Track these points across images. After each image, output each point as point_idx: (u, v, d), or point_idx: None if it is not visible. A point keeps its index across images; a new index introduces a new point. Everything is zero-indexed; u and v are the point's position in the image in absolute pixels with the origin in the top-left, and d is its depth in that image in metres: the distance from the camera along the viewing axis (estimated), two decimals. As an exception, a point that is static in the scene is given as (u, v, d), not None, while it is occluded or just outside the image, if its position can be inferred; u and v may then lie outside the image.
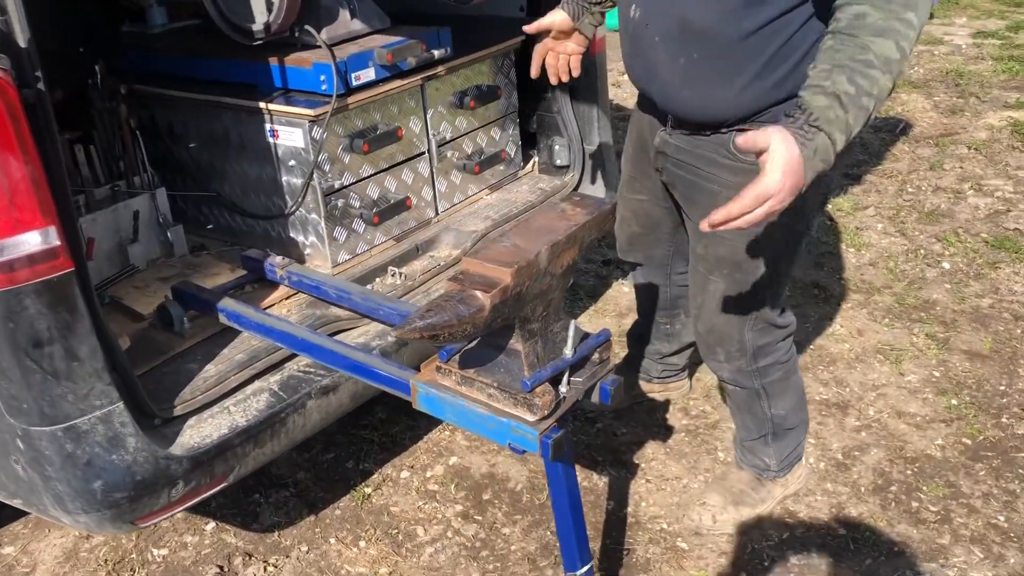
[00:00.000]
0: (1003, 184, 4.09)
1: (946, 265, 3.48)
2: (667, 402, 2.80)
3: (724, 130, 1.92)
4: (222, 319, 2.17)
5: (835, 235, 3.74)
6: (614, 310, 3.31)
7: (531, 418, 1.65)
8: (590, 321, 3.24)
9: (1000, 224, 3.76)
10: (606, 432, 2.72)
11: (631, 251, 2.48)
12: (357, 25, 2.54)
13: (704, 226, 1.57)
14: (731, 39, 1.79)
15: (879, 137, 4.69)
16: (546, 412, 1.66)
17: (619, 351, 2.88)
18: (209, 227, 2.69)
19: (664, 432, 2.70)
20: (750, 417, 2.32)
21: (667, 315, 2.59)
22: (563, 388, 1.73)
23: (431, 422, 2.79)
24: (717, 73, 1.84)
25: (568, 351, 1.72)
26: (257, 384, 2.11)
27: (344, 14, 2.52)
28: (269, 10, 2.36)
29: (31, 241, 1.66)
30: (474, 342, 1.73)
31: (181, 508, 1.96)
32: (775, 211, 1.53)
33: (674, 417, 2.76)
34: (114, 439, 1.80)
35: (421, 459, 2.67)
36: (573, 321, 1.73)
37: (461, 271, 1.60)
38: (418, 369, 1.84)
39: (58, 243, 1.68)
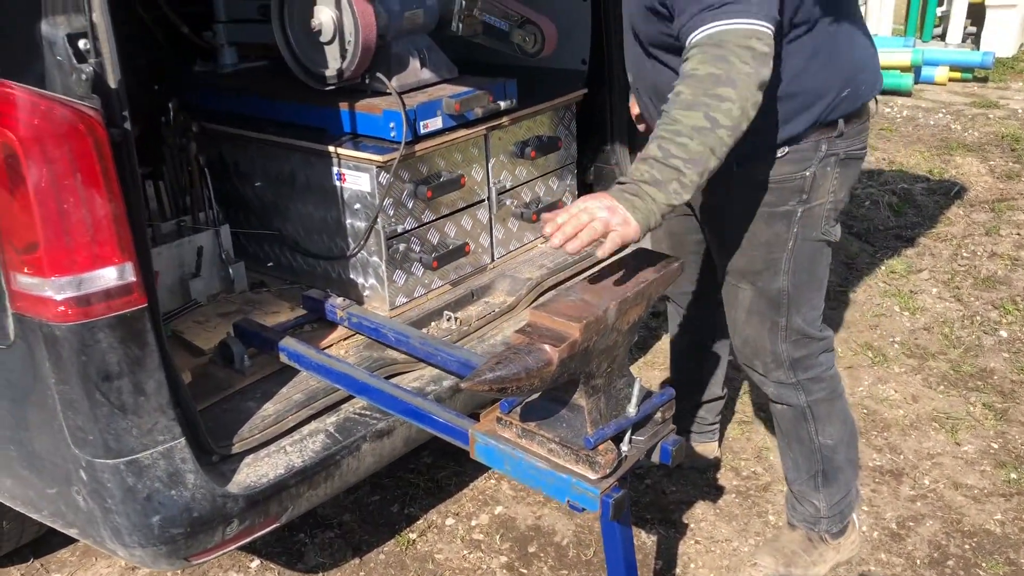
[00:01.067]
0: (1062, 253, 4.04)
1: (1003, 333, 3.42)
2: (717, 461, 2.77)
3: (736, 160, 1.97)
4: (282, 358, 2.19)
5: (889, 297, 3.70)
6: (663, 363, 3.29)
7: (593, 476, 1.64)
8: (639, 372, 3.22)
9: (1060, 294, 3.70)
10: (655, 490, 2.69)
11: None
12: (426, 74, 2.59)
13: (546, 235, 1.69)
14: None
15: (933, 200, 4.65)
16: (608, 471, 1.65)
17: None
18: (269, 264, 2.73)
19: (714, 492, 2.67)
20: (798, 447, 2.31)
21: (696, 358, 2.61)
22: (624, 446, 1.72)
23: (477, 469, 2.78)
24: None
25: (632, 409, 1.71)
26: (314, 425, 2.12)
27: (414, 63, 2.56)
28: (343, 57, 2.41)
29: (108, 276, 1.69)
30: (536, 394, 1.73)
31: (233, 547, 1.97)
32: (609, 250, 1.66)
33: (724, 477, 2.73)
34: (174, 475, 1.82)
35: (467, 507, 2.66)
36: (638, 379, 1.73)
37: (529, 323, 1.61)
38: (476, 418, 1.84)
39: (134, 279, 1.71)
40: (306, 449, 2.05)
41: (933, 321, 3.52)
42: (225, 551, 1.97)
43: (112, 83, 1.67)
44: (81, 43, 1.63)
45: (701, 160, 1.65)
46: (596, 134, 3.00)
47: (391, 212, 2.40)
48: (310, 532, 2.57)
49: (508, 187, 2.72)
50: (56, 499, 1.91)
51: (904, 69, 6.45)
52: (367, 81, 2.48)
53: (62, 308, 1.66)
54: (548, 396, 1.72)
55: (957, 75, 6.64)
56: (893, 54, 6.58)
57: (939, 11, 7.60)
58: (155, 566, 1.91)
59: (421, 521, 2.61)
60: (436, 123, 2.43)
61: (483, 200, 2.66)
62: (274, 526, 2.02)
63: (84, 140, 1.62)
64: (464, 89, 2.53)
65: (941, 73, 6.56)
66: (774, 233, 2.09)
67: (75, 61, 1.62)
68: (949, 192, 4.72)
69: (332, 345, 2.34)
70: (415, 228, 2.48)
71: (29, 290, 1.68)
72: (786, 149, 2.00)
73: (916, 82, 6.54)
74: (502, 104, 2.57)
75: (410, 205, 2.44)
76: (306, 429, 2.10)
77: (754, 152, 1.98)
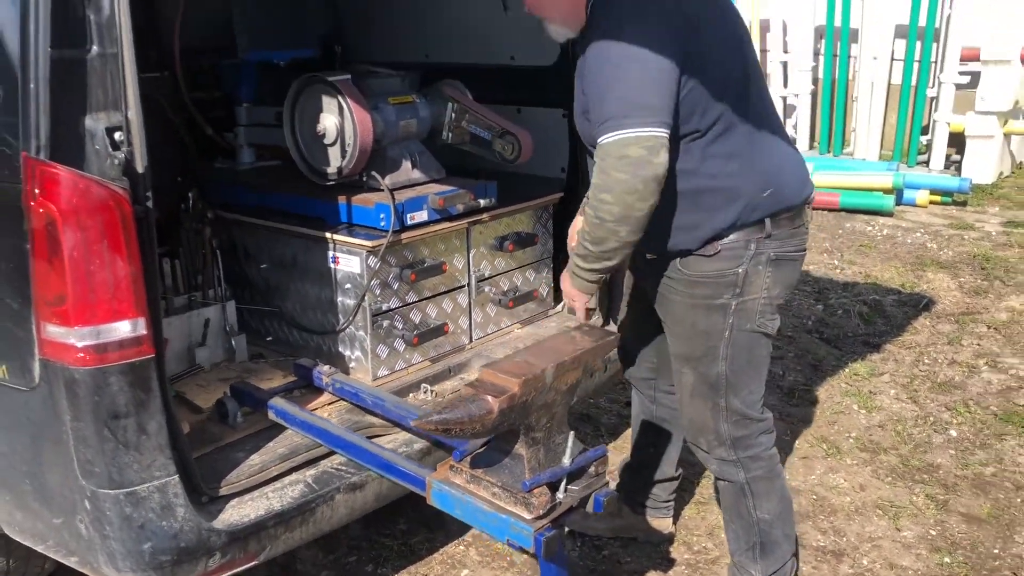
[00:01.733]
0: (1018, 363, 4.27)
1: (953, 433, 3.64)
2: (671, 536, 2.97)
3: (675, 254, 2.33)
4: (271, 415, 2.46)
5: (849, 397, 3.94)
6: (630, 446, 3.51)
7: (528, 516, 1.88)
8: (611, 456, 3.44)
9: (1011, 400, 3.92)
10: (611, 560, 2.89)
11: (625, 361, 2.81)
12: (417, 174, 2.94)
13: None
14: None
15: (902, 311, 4.92)
16: (542, 512, 1.89)
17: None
18: (268, 339, 3.02)
19: (666, 564, 2.86)
20: (739, 520, 2.52)
21: (652, 438, 2.84)
22: (560, 494, 1.96)
23: (448, 536, 2.99)
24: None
25: (566, 460, 1.96)
26: (294, 476, 2.36)
27: (406, 164, 2.92)
28: (343, 157, 2.77)
29: (123, 329, 1.98)
30: (484, 446, 1.98)
31: (214, 580, 2.19)
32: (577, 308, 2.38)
33: (677, 551, 2.93)
34: (166, 507, 2.06)
35: (435, 569, 2.86)
36: (572, 433, 1.98)
37: (478, 379, 1.88)
38: (435, 468, 2.09)
39: (144, 332, 2.00)
40: (285, 496, 2.29)
41: (888, 419, 3.74)
42: (206, 583, 2.19)
43: (139, 168, 2.00)
44: (117, 135, 1.96)
45: (601, 246, 2.15)
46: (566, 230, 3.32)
47: (378, 292, 2.70)
48: (289, 586, 2.78)
49: (487, 275, 3.03)
50: (61, 529, 2.15)
51: (886, 191, 6.82)
52: (364, 179, 2.83)
53: (82, 354, 1.95)
54: (494, 447, 1.97)
55: (937, 198, 7.00)
56: (876, 177, 6.97)
57: (924, 139, 8.04)
58: (144, 592, 2.14)
59: (392, 580, 2.82)
60: (422, 215, 2.76)
61: (463, 286, 2.96)
62: (253, 563, 2.24)
63: (113, 214, 1.94)
64: (449, 188, 2.87)
65: (922, 196, 6.92)
66: (711, 323, 2.36)
67: (110, 149, 1.95)
68: (918, 304, 5.00)
69: (317, 408, 2.61)
70: (399, 307, 2.77)
71: (55, 338, 1.97)
72: (718, 247, 2.28)
73: (899, 204, 6.90)
74: (482, 203, 2.91)
75: (395, 287, 2.74)
76: (287, 479, 2.35)
77: (686, 247, 2.28)
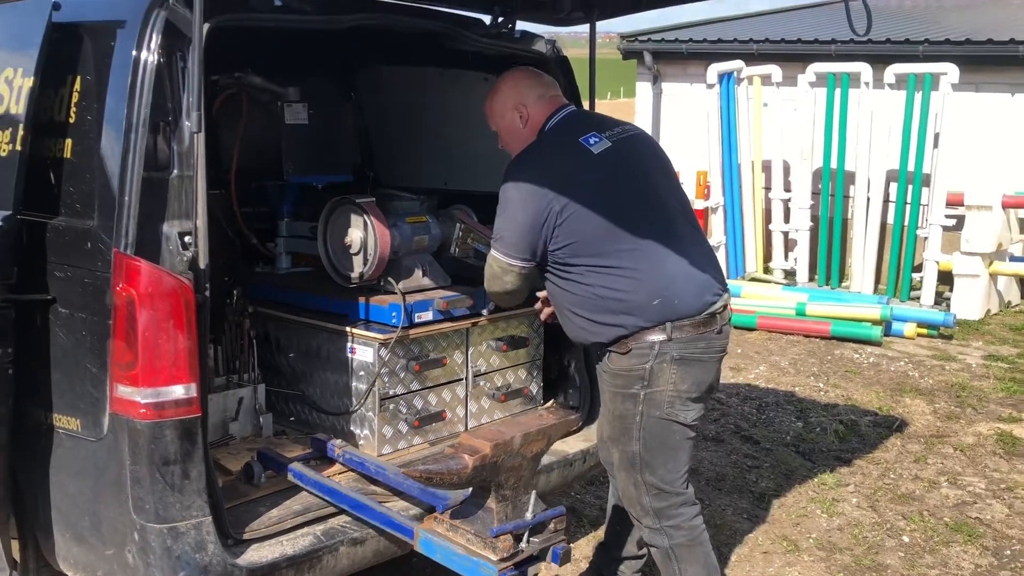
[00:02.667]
0: (977, 481, 4.62)
1: (906, 538, 3.98)
2: (634, 612, 3.32)
3: (599, 348, 2.87)
4: (290, 477, 2.91)
5: (815, 503, 4.30)
6: (609, 538, 3.89)
7: (494, 558, 2.31)
8: (588, 545, 3.82)
9: (964, 512, 4.26)
10: (580, 629, 3.24)
11: (600, 450, 3.18)
12: (426, 281, 3.44)
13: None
14: (561, 302, 2.90)
15: (876, 431, 5.30)
16: (505, 555, 2.31)
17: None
18: (291, 419, 3.49)
19: (629, 635, 3.21)
20: None
21: (620, 519, 3.21)
22: (523, 544, 2.38)
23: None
24: (565, 318, 2.94)
25: (529, 515, 2.39)
26: (306, 529, 2.78)
27: (418, 272, 3.43)
28: (365, 264, 3.29)
29: (178, 391, 2.48)
30: (462, 502, 2.42)
31: (233, 610, 2.60)
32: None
33: (639, 625, 3.28)
34: (200, 543, 2.50)
35: (424, 629, 3.23)
36: (535, 494, 2.42)
37: (459, 441, 2.34)
38: (422, 521, 2.52)
39: (195, 395, 2.49)
40: (297, 544, 2.71)
41: (847, 524, 4.10)
42: (227, 613, 2.59)
43: (202, 265, 2.54)
44: (187, 238, 2.51)
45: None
46: (561, 341, 3.80)
47: (386, 379, 3.18)
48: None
49: (483, 371, 3.50)
50: (112, 559, 2.58)
51: (875, 322, 7.26)
52: (381, 283, 3.35)
53: (144, 410, 2.44)
54: (469, 502, 2.41)
55: (924, 331, 7.43)
56: (866, 308, 7.43)
57: (917, 276, 8.51)
58: (174, 616, 2.54)
59: (385, 638, 3.18)
60: (427, 315, 3.26)
61: (461, 379, 3.43)
62: (266, 599, 2.65)
63: (179, 299, 2.46)
64: (453, 293, 3.38)
65: (909, 328, 7.34)
66: (625, 409, 2.81)
67: (181, 249, 2.50)
68: (892, 426, 5.37)
69: (329, 475, 3.05)
70: (404, 393, 3.24)
71: (124, 396, 2.47)
72: (629, 345, 2.76)
73: (887, 335, 7.32)
74: (484, 312, 3.41)
75: (402, 375, 3.22)
76: (300, 531, 2.77)
77: (599, 341, 2.82)
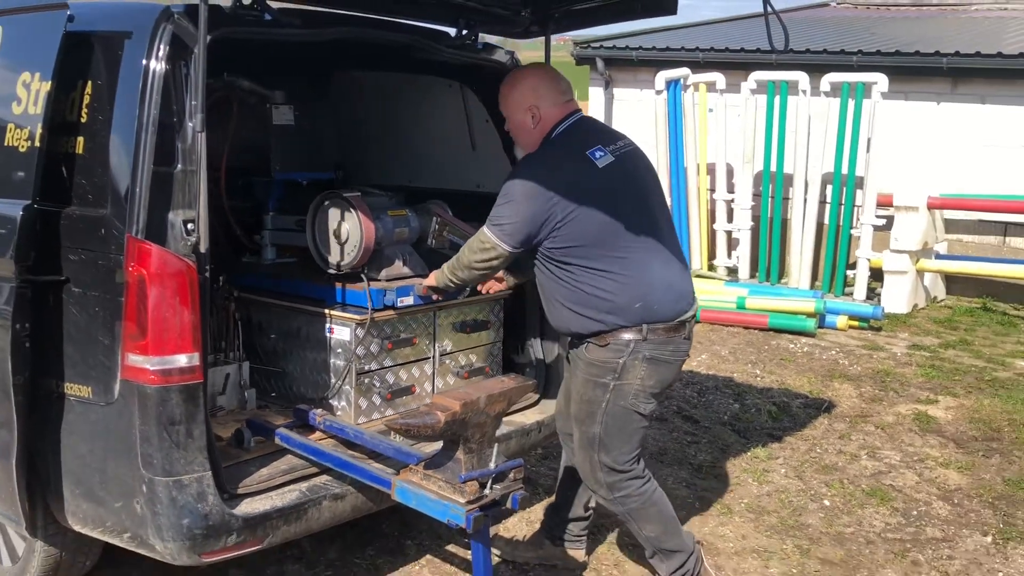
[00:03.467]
0: (893, 454, 5.10)
1: (827, 502, 4.44)
2: (584, 564, 3.71)
3: (578, 338, 3.19)
4: (277, 441, 3.25)
5: (747, 473, 4.73)
6: (561, 504, 4.28)
7: (462, 501, 2.68)
8: (543, 510, 4.20)
9: (879, 480, 4.73)
10: (535, 580, 3.63)
11: (558, 420, 3.58)
12: (406, 270, 3.72)
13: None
14: (551, 293, 3.19)
15: (806, 412, 5.77)
16: (472, 498, 2.68)
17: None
18: (273, 394, 3.82)
19: (579, 584, 3.61)
20: (638, 536, 3.29)
21: (569, 483, 3.59)
22: (487, 490, 2.75)
23: (406, 560, 3.72)
24: (553, 307, 3.22)
25: (491, 464, 2.77)
26: (292, 485, 3.13)
27: (399, 262, 3.72)
28: (350, 253, 3.56)
29: (182, 360, 2.81)
30: (436, 452, 2.79)
31: (231, 555, 2.93)
32: (424, 293, 3.50)
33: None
34: (201, 494, 2.84)
35: (395, 582, 3.59)
36: (497, 447, 2.79)
37: (432, 400, 2.71)
38: (398, 473, 2.89)
39: (197, 364, 2.83)
40: (285, 498, 3.06)
41: (775, 490, 4.54)
42: (225, 557, 2.92)
43: (202, 249, 2.87)
44: (189, 225, 2.83)
45: (457, 274, 3.30)
46: (517, 323, 4.19)
47: (362, 356, 3.53)
48: (277, 588, 3.49)
49: (448, 351, 3.87)
50: (120, 511, 2.90)
51: (809, 315, 7.77)
52: (364, 271, 3.63)
53: (152, 376, 2.76)
54: (440, 454, 2.78)
55: (856, 324, 7.95)
56: (801, 302, 7.94)
57: (851, 273, 9.05)
58: (179, 559, 2.87)
59: (360, 589, 3.54)
60: (408, 300, 3.56)
61: (429, 357, 3.80)
62: (259, 547, 2.98)
63: (184, 279, 2.79)
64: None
65: (841, 320, 7.87)
66: (594, 396, 3.18)
67: (185, 234, 2.83)
68: (820, 407, 5.85)
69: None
70: (377, 369, 3.60)
71: (135, 364, 2.79)
72: (607, 339, 3.11)
73: (821, 326, 7.83)
74: (459, 299, 3.76)
75: (376, 353, 3.58)
76: (287, 488, 3.12)
77: (579, 332, 3.16)
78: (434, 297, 3.54)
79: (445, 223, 3.77)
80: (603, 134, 3.33)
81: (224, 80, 3.75)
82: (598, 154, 3.16)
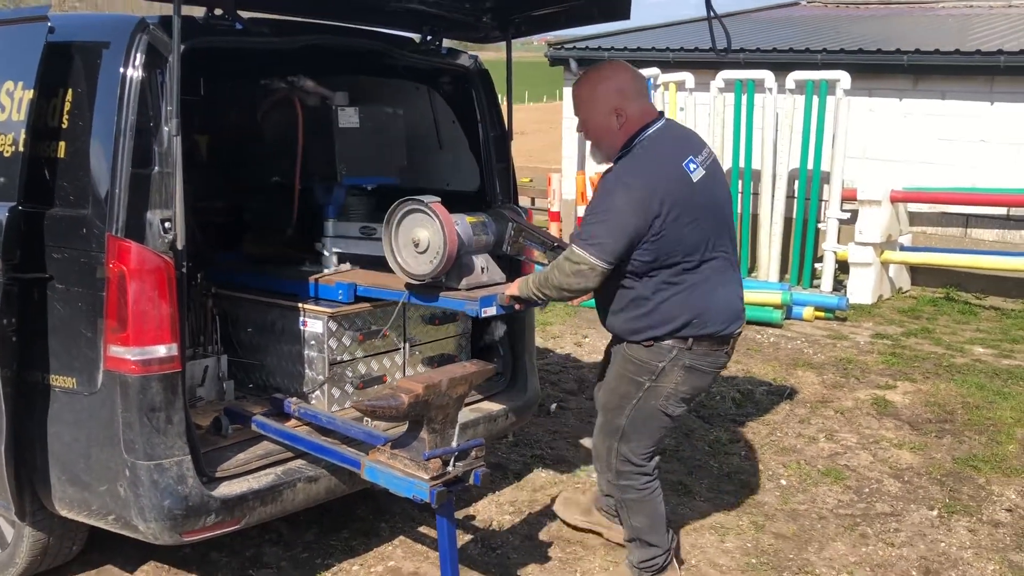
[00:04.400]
0: (850, 436, 5.32)
1: (783, 482, 4.65)
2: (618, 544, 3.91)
3: (624, 339, 3.32)
4: (254, 428, 3.43)
5: (709, 456, 4.94)
6: (531, 486, 4.48)
7: (426, 477, 2.86)
8: (512, 493, 4.40)
9: (835, 461, 4.95)
10: (502, 556, 3.82)
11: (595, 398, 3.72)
12: (485, 278, 3.58)
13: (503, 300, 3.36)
14: (609, 296, 3.26)
15: (769, 399, 5.99)
16: (435, 474, 2.87)
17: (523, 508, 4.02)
18: (250, 386, 4.00)
19: (544, 559, 3.80)
20: (624, 522, 3.48)
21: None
22: (450, 467, 2.94)
23: (380, 541, 3.91)
24: (607, 309, 3.30)
25: (453, 443, 2.96)
26: (268, 469, 3.31)
27: (478, 270, 3.57)
28: (432, 262, 3.40)
29: (162, 350, 2.98)
30: (401, 432, 2.97)
31: (210, 535, 3.11)
32: (507, 302, 3.36)
33: (553, 551, 3.87)
34: (181, 476, 3.01)
35: (369, 560, 3.77)
36: (458, 426, 2.98)
37: (397, 383, 2.89)
38: (368, 454, 3.07)
39: (176, 354, 3.00)
40: (261, 481, 3.24)
41: (734, 471, 4.75)
42: (204, 537, 3.10)
43: (179, 246, 3.05)
44: (167, 224, 3.01)
45: (549, 295, 3.24)
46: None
47: (334, 347, 3.71)
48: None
49: (418, 342, 4.06)
50: (104, 494, 3.07)
51: (776, 306, 7.99)
52: (444, 280, 3.46)
53: (134, 366, 2.94)
54: (406, 434, 2.97)
55: (822, 314, 8.19)
56: (769, 294, 8.16)
57: (819, 265, 9.29)
58: (160, 538, 3.04)
59: (335, 567, 3.71)
60: (491, 310, 3.41)
61: (399, 348, 3.98)
62: (237, 527, 3.16)
63: (162, 274, 2.97)
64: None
65: (808, 311, 8.10)
66: (627, 390, 3.33)
67: (163, 232, 3.00)
68: (783, 394, 6.07)
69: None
70: (349, 360, 3.78)
71: (117, 355, 2.96)
72: (652, 344, 3.24)
73: (788, 317, 8.06)
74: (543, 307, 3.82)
75: (348, 344, 3.76)
76: (263, 471, 3.30)
77: (633, 336, 3.27)
78: (516, 307, 3.43)
79: (521, 228, 3.64)
80: (692, 142, 3.29)
81: (283, 79, 3.80)
82: (692, 166, 3.15)
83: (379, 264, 3.74)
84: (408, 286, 3.53)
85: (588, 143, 3.39)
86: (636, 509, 3.46)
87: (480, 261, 3.55)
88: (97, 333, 3.01)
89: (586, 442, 4.91)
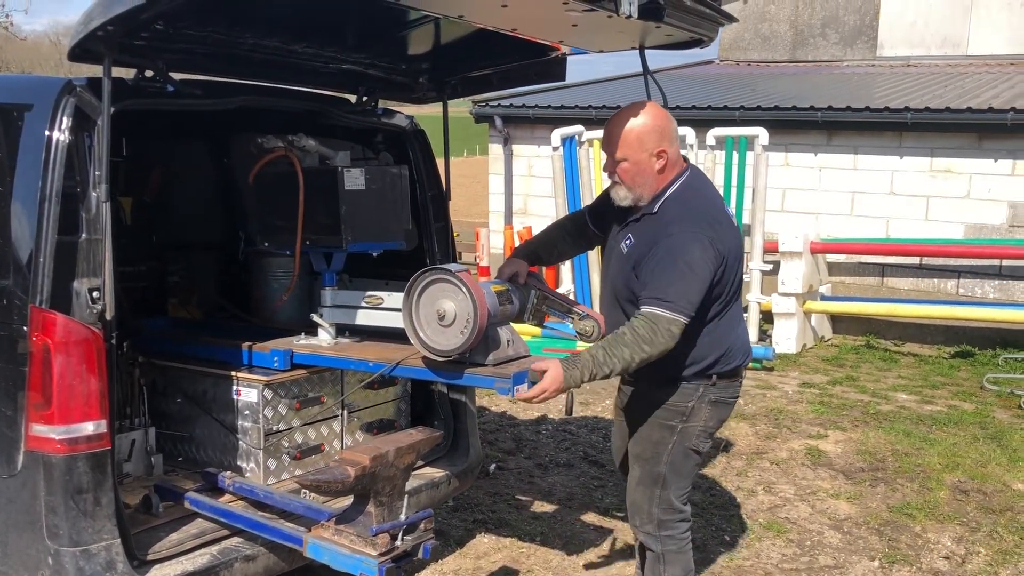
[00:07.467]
0: (787, 488, 5.36)
1: (727, 538, 4.64)
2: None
3: (653, 386, 3.26)
4: (187, 505, 3.26)
5: (651, 514, 4.91)
6: (474, 553, 4.36)
7: (374, 553, 2.75)
8: (455, 561, 4.27)
9: (775, 514, 4.97)
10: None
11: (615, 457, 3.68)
12: (511, 351, 3.30)
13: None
14: None
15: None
16: (383, 550, 2.76)
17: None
18: (180, 459, 3.81)
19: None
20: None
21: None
22: (398, 541, 2.83)
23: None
24: None
25: (402, 516, 2.85)
26: (203, 549, 3.15)
27: (504, 343, 3.28)
28: (462, 335, 3.10)
29: (89, 428, 2.82)
30: (346, 507, 2.85)
31: (140, 624, 2.92)
32: (545, 398, 2.97)
33: None
34: (110, 563, 2.83)
35: (309, 640, 3.60)
36: (407, 498, 2.88)
37: (341, 455, 2.78)
38: (310, 530, 2.94)
39: (105, 431, 2.84)
40: (196, 562, 3.07)
41: (678, 529, 4.72)
42: (134, 626, 2.91)
43: (108, 317, 2.90)
44: (95, 294, 2.87)
45: (615, 369, 2.97)
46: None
47: (270, 416, 3.57)
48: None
49: (356, 408, 3.94)
50: (24, 584, 2.87)
51: (706, 358, 8.08)
52: (467, 355, 3.16)
53: (59, 445, 2.77)
54: (351, 508, 2.85)
55: (749, 365, 8.31)
56: (698, 346, 8.26)
57: (744, 316, 9.47)
58: (86, 631, 2.84)
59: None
60: (523, 388, 3.02)
61: (337, 416, 3.86)
62: (170, 613, 2.98)
63: (90, 346, 2.82)
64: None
65: (736, 362, 8.21)
66: (661, 436, 3.28)
67: (91, 303, 2.86)
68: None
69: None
70: (286, 430, 3.64)
71: (39, 434, 2.79)
72: (679, 385, 3.21)
73: (718, 369, 8.16)
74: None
75: (284, 413, 3.62)
76: (198, 552, 3.13)
77: (660, 382, 3.22)
78: (544, 398, 3.01)
79: (544, 296, 3.46)
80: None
81: (281, 138, 3.68)
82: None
83: (379, 336, 3.70)
84: (427, 362, 3.27)
85: (611, 182, 3.26)
86: (673, 560, 3.40)
87: (505, 333, 3.30)
88: (18, 410, 2.84)
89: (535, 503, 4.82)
